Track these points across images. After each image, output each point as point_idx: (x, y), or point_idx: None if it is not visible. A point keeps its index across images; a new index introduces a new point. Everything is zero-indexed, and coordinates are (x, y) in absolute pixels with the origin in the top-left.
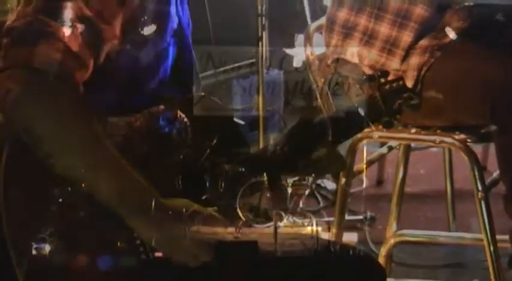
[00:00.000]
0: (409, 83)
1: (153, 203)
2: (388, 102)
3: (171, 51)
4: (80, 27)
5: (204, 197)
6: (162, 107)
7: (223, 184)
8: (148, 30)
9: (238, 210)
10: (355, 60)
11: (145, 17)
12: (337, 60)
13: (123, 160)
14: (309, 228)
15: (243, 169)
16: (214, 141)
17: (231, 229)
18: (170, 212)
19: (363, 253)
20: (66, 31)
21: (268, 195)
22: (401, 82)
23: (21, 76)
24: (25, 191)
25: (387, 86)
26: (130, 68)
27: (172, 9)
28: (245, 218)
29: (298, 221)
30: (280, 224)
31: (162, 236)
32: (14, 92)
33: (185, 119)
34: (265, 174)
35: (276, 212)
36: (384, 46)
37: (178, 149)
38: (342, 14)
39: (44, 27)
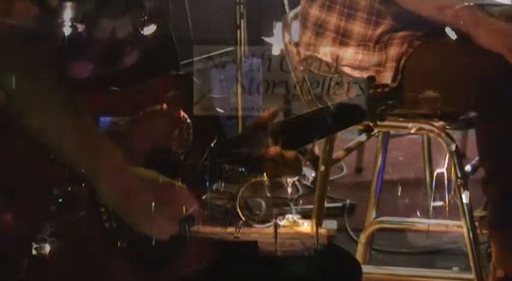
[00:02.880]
0: (389, 74)
1: (122, 169)
2: (371, 108)
3: (150, 29)
4: None
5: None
6: (164, 106)
7: (223, 184)
8: (149, 30)
9: (238, 210)
10: (328, 58)
11: (145, 17)
12: (309, 56)
13: (94, 124)
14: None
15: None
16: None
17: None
18: (139, 180)
19: (337, 248)
20: None
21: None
22: (387, 89)
23: None
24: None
25: (372, 91)
26: (106, 38)
27: None
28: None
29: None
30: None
31: (129, 204)
32: None
33: (188, 120)
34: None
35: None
36: (358, 43)
37: (180, 149)
38: (313, 11)
39: None
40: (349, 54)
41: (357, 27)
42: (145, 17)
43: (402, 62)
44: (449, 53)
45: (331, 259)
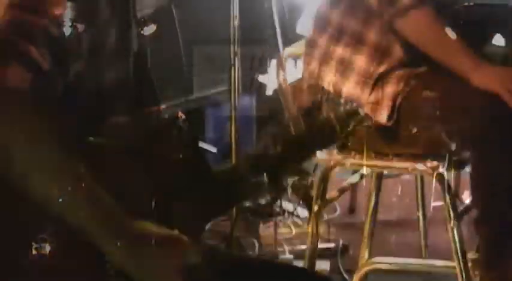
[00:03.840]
0: (384, 113)
1: (127, 229)
2: (343, 125)
3: (131, 68)
4: (48, 45)
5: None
6: (163, 106)
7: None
8: (149, 29)
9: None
10: (330, 88)
11: (145, 18)
12: (313, 85)
13: (97, 184)
14: None
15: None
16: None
17: None
18: (143, 237)
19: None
20: (36, 50)
21: None
22: (354, 104)
23: None
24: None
25: (342, 109)
26: (96, 85)
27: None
28: None
29: None
30: None
31: (136, 263)
32: None
33: (185, 120)
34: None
35: None
36: (359, 78)
37: (178, 149)
38: (322, 41)
39: (15, 46)
40: (348, 87)
41: (360, 62)
42: (144, 18)
43: (398, 101)
44: (446, 92)
45: None
